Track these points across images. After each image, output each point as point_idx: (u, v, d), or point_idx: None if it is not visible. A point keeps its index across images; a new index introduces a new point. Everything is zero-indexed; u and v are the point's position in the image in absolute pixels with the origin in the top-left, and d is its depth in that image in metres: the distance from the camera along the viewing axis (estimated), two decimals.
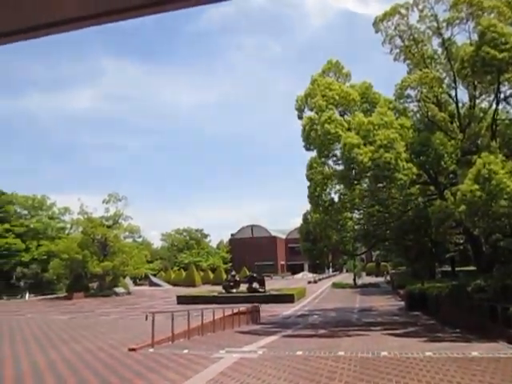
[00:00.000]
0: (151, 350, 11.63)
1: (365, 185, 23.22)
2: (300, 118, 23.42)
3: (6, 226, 54.62)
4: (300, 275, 78.65)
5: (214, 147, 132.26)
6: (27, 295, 50.17)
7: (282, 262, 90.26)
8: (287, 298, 34.93)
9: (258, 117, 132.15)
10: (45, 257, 54.26)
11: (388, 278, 57.90)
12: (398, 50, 24.58)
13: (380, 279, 61.30)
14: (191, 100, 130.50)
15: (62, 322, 21.13)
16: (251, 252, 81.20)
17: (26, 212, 59.96)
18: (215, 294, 37.09)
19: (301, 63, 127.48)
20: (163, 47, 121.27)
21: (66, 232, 61.52)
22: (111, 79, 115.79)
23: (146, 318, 12.81)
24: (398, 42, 24.35)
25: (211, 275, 69.38)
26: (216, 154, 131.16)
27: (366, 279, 61.52)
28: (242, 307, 22.49)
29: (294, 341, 14.98)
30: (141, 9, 3.84)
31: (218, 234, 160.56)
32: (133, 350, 11.40)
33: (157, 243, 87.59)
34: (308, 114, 22.89)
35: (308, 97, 22.77)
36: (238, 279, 39.74)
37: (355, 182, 21.57)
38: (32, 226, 57.27)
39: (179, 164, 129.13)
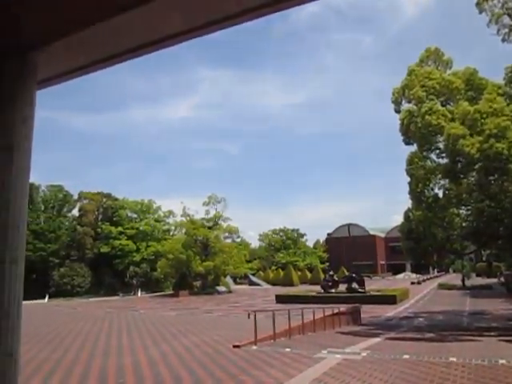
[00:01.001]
0: (254, 347, 11.90)
1: (472, 178, 21.54)
2: (397, 111, 22.44)
3: (120, 228, 59.81)
4: (401, 276, 75.32)
5: (306, 147, 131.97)
6: (139, 292, 54.34)
7: (382, 262, 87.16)
8: (389, 299, 33.59)
9: (351, 114, 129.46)
10: (153, 257, 58.43)
11: (502, 279, 53.03)
12: (506, 30, 22.42)
13: (493, 280, 56.38)
14: (281, 101, 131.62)
15: (171, 318, 22.52)
16: (349, 251, 79.51)
17: (135, 216, 65.02)
18: (314, 293, 36.92)
19: (394, 55, 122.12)
20: (253, 51, 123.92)
21: (171, 233, 65.58)
22: (206, 88, 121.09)
23: (249, 316, 13.13)
24: (507, 20, 22.20)
25: (308, 275, 69.26)
26: (309, 153, 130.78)
27: (475, 280, 57.04)
28: (342, 307, 22.10)
29: (399, 344, 14.36)
30: (237, 17, 3.90)
31: (314, 234, 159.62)
32: (237, 346, 11.76)
33: (254, 243, 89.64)
34: (406, 106, 21.86)
35: (405, 88, 21.74)
36: (336, 279, 39.16)
37: (461, 176, 20.12)
38: (141, 228, 61.96)
39: (273, 165, 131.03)
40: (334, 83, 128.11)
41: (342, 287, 37.32)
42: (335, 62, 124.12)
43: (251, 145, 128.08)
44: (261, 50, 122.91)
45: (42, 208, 61.11)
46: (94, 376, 8.76)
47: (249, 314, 13.37)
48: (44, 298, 46.23)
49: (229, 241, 58.45)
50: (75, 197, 64.53)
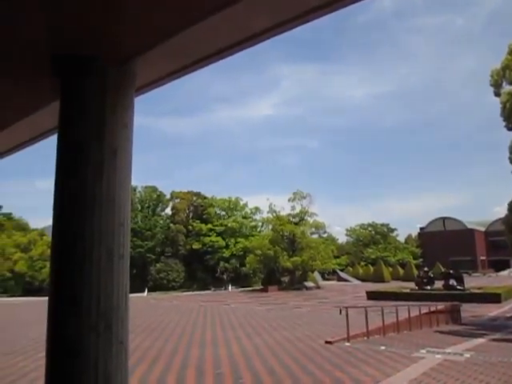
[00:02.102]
0: (347, 343, 11.69)
1: None
2: (497, 94, 20.63)
3: (209, 226, 62.17)
4: (506, 272, 69.37)
5: (392, 138, 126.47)
6: (229, 287, 56.03)
7: (483, 258, 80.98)
8: (492, 298, 31.08)
9: (441, 101, 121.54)
10: (241, 253, 59.87)
11: None
12: None
13: None
14: (365, 92, 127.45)
15: (261, 312, 22.91)
16: (444, 246, 74.93)
17: (223, 213, 67.10)
18: (407, 290, 35.37)
19: (489, 34, 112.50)
20: (334, 44, 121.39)
21: (258, 230, 66.69)
22: (288, 85, 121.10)
23: (340, 312, 12.93)
24: None
25: (401, 271, 66.54)
26: (396, 144, 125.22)
27: None
28: (440, 305, 20.90)
29: (507, 346, 13.23)
30: (320, 9, 3.77)
31: (406, 228, 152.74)
32: (329, 342, 11.64)
33: (341, 239, 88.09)
34: (508, 88, 20.02)
35: (506, 69, 19.91)
36: (431, 275, 37.14)
37: None
38: (229, 225, 63.78)
39: (359, 158, 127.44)
40: (422, 70, 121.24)
41: (438, 284, 35.31)
42: (422, 47, 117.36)
43: (335, 139, 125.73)
44: (341, 41, 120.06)
45: (139, 208, 65.43)
46: (192, 364, 9.19)
47: (340, 310, 13.18)
48: (143, 291, 49.50)
49: (315, 236, 58.05)
50: (168, 196, 68.26)
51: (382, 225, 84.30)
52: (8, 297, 50.99)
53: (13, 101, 5.50)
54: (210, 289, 55.78)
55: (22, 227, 70.07)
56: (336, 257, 61.54)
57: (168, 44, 4.37)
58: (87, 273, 3.91)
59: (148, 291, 51.02)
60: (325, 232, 60.19)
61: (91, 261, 3.93)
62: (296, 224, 53.92)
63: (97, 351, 3.91)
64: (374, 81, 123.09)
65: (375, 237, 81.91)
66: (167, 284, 56.96)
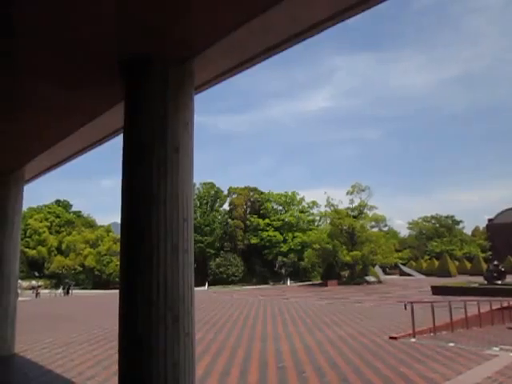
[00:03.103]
0: (413, 339, 11.34)
1: None
2: None
3: (267, 220, 62.57)
4: None
5: (456, 125, 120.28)
6: (288, 281, 56.11)
7: None
8: None
9: (509, 83, 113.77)
10: (299, 247, 59.77)
11: None
12: None
13: None
14: (424, 79, 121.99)
15: (322, 307, 22.74)
16: None
17: (280, 208, 67.25)
18: (476, 285, 33.68)
19: None
20: (391, 30, 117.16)
21: (316, 224, 66.23)
22: (343, 76, 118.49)
23: (405, 308, 12.56)
24: None
25: (468, 265, 63.55)
26: (460, 132, 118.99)
27: None
28: None
29: None
30: None
31: (473, 220, 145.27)
32: (394, 338, 11.34)
33: (403, 232, 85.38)
34: None
35: None
36: (502, 269, 35.11)
37: None
38: (286, 219, 63.85)
39: (419, 148, 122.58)
40: (486, 52, 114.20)
41: (510, 278, 33.34)
42: (485, 28, 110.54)
43: (395, 129, 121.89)
44: (398, 27, 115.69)
45: (198, 204, 67.07)
46: (255, 358, 9.30)
47: (405, 305, 12.82)
48: (204, 285, 50.79)
49: (375, 230, 56.73)
50: (225, 192, 69.43)
51: (447, 217, 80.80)
52: (80, 289, 54.20)
53: (81, 105, 5.83)
54: (268, 283, 56.21)
55: (90, 224, 74.22)
56: (398, 250, 59.83)
57: (226, 41, 4.45)
58: (155, 267, 4.09)
59: (208, 285, 52.27)
60: (385, 225, 58.66)
61: (158, 255, 4.11)
62: (355, 217, 52.94)
63: (165, 342, 4.09)
64: (434, 67, 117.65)
65: (439, 230, 78.68)
66: (226, 278, 58.07)
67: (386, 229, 61.86)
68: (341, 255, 49.52)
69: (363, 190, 53.91)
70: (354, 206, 54.75)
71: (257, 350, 10.30)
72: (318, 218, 66.15)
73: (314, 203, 66.34)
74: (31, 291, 45.26)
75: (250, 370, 8.30)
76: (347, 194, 54.69)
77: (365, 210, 54.84)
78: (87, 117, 6.11)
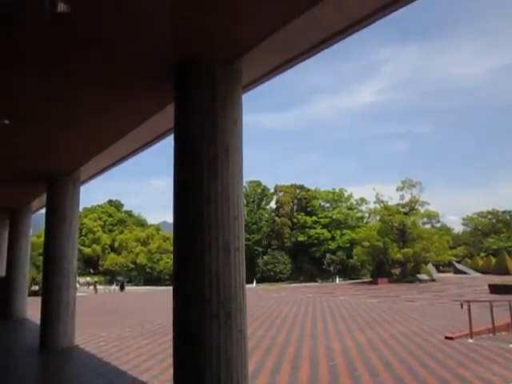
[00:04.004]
0: (470, 340, 10.89)
1: None
2: None
3: (314, 218, 62.14)
4: None
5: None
6: (337, 279, 55.45)
7: None
8: None
9: None
10: (348, 244, 58.91)
11: None
12: None
13: None
14: (478, 68, 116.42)
15: (372, 305, 22.30)
16: None
17: (328, 205, 66.53)
18: None
19: None
20: (440, 17, 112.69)
21: (365, 221, 65.00)
22: (390, 69, 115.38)
23: (462, 307, 12.08)
24: None
25: None
26: None
27: None
28: None
29: None
30: None
31: None
32: (449, 338, 10.94)
33: (457, 228, 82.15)
34: None
35: None
36: None
37: None
38: (334, 217, 63.10)
39: (474, 140, 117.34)
40: None
41: None
42: None
43: (448, 121, 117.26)
44: (449, 13, 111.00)
45: (245, 202, 67.60)
46: (305, 356, 9.26)
47: (461, 304, 12.33)
48: (252, 283, 51.16)
49: (427, 226, 54.91)
50: (271, 190, 69.55)
51: (504, 212, 76.90)
52: (132, 286, 56.13)
53: (134, 107, 6.03)
54: (316, 281, 55.82)
55: (141, 223, 76.66)
56: (451, 248, 57.65)
57: (272, 39, 4.45)
58: (207, 264, 4.17)
59: (256, 283, 52.60)
60: (438, 221, 56.67)
61: (210, 253, 4.18)
62: (406, 214, 51.48)
63: (218, 338, 4.16)
64: (491, 54, 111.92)
65: (496, 225, 75.01)
66: (274, 276, 58.21)
67: (438, 225, 59.83)
68: (391, 253, 48.33)
69: (414, 186, 52.32)
70: (404, 202, 53.25)
71: (307, 347, 10.25)
72: (366, 214, 64.87)
73: (363, 200, 65.12)
74: (87, 287, 47.48)
75: (300, 367, 8.28)
76: (397, 189, 53.28)
77: (416, 206, 53.18)
78: (140, 118, 6.31)
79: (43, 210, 16.57)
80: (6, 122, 6.57)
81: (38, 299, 15.13)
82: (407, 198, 53.10)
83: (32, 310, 16.43)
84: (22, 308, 16.62)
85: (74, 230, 10.73)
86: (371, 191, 77.62)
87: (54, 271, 10.25)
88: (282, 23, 3.95)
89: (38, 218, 18.13)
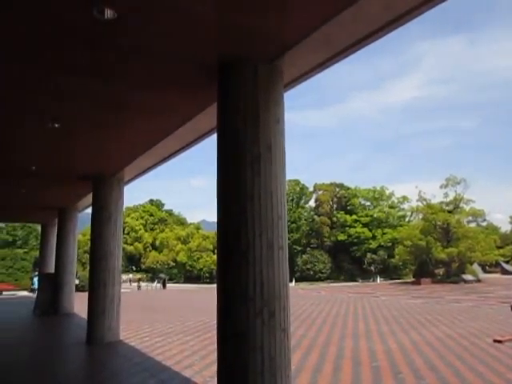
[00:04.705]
0: None
1: None
2: None
3: (354, 216, 61.21)
4: None
5: None
6: (378, 279, 54.42)
7: None
8: None
9: None
10: (389, 244, 57.67)
11: None
12: None
13: None
14: None
15: (415, 306, 21.75)
16: None
17: (368, 203, 65.37)
18: None
19: None
20: (484, 6, 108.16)
21: (406, 220, 63.42)
22: (432, 62, 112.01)
23: None
24: None
25: None
26: None
27: None
28: None
29: None
30: None
31: None
32: (498, 341, 10.52)
33: (504, 227, 78.71)
34: None
35: None
36: None
37: None
38: (375, 215, 61.92)
39: None
40: None
41: None
42: None
43: (490, 116, 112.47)
44: (494, 1, 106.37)
45: None
46: (347, 356, 9.16)
47: (511, 306, 11.80)
48: (291, 281, 51.03)
49: (473, 225, 52.92)
50: (310, 189, 69.06)
51: None
52: (173, 283, 57.24)
53: (176, 108, 6.14)
54: (357, 280, 55.00)
55: (181, 222, 77.99)
56: (499, 247, 55.31)
57: (315, 36, 4.40)
58: (251, 263, 4.19)
59: (296, 281, 52.41)
60: (484, 220, 54.53)
61: (253, 252, 4.20)
62: (450, 212, 49.83)
63: (262, 336, 4.18)
64: None
65: None
66: (313, 275, 57.80)
67: (484, 224, 57.57)
68: (435, 252, 46.91)
69: (458, 183, 50.54)
70: (448, 199, 51.55)
71: (349, 348, 10.13)
72: (408, 213, 63.28)
73: (405, 198, 63.55)
74: (130, 284, 48.85)
75: (342, 367, 8.19)
76: (441, 187, 51.61)
77: (461, 204, 51.38)
78: (183, 119, 6.42)
79: (88, 210, 17.24)
80: (56, 125, 6.85)
81: (82, 294, 15.73)
82: (451, 196, 51.40)
83: (77, 304, 17.10)
84: (70, 303, 17.29)
85: (119, 228, 11.05)
86: (413, 189, 75.40)
87: (100, 268, 10.61)
88: (325, 19, 3.90)
89: (83, 217, 18.83)
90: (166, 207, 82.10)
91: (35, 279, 25.05)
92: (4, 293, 34.88)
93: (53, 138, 7.53)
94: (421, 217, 53.57)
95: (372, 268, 58.03)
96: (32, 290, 29.60)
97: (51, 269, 19.84)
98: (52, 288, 17.43)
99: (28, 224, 49.64)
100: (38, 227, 31.43)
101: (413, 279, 49.13)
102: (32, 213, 18.76)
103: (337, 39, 4.39)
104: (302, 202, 69.42)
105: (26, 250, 50.28)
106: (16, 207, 16.97)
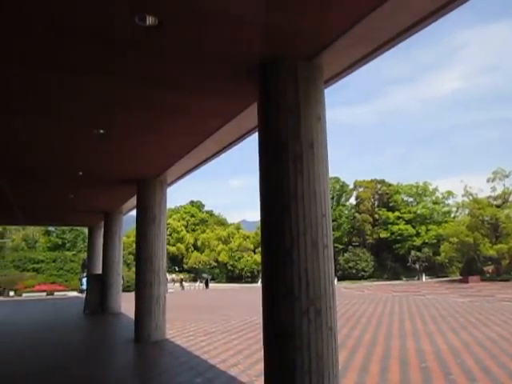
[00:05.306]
0: None
1: None
2: None
3: (397, 213, 59.82)
4: None
5: None
6: (423, 277, 52.94)
7: None
8: None
9: None
10: (434, 241, 55.99)
11: None
12: None
13: None
14: None
15: (464, 305, 21.02)
16: None
17: (411, 199, 63.72)
18: None
19: None
20: None
21: (452, 215, 61.38)
22: (474, 51, 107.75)
23: None
24: None
25: None
26: None
27: None
28: None
29: None
30: None
31: None
32: None
33: None
34: None
35: None
36: None
37: None
38: (418, 212, 60.27)
39: None
40: None
41: None
42: None
43: None
44: None
45: None
46: (394, 356, 8.96)
47: None
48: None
49: None
50: (350, 186, 68.08)
51: None
52: (215, 283, 57.92)
53: (216, 110, 6.19)
54: (401, 279, 53.77)
55: (222, 222, 78.77)
56: None
57: (355, 30, 4.33)
58: (296, 262, 4.17)
59: (338, 280, 51.83)
60: None
61: (298, 250, 4.18)
62: (498, 207, 47.78)
63: (308, 335, 4.15)
64: None
65: None
66: (356, 273, 56.98)
67: None
68: (483, 249, 45.13)
69: (507, 176, 48.39)
70: (496, 194, 49.46)
71: (396, 347, 9.91)
72: (454, 209, 61.18)
73: (450, 193, 61.49)
74: (173, 284, 49.85)
75: (389, 368, 8.02)
76: (488, 181, 49.59)
77: (510, 198, 49.17)
78: (223, 120, 6.48)
79: (131, 212, 17.73)
80: (101, 131, 7.08)
81: (128, 294, 16.16)
82: (499, 190, 49.29)
83: (123, 304, 17.62)
84: (117, 303, 17.84)
85: (163, 229, 11.29)
86: (458, 183, 72.90)
87: (145, 269, 10.88)
88: (367, 12, 3.83)
89: (126, 219, 19.36)
90: (206, 208, 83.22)
91: (84, 280, 26.02)
92: (55, 293, 36.48)
93: (98, 144, 7.79)
94: (467, 212, 51.70)
95: (417, 266, 56.52)
96: (81, 291, 30.78)
97: (98, 270, 20.54)
98: (100, 288, 18.04)
99: (76, 227, 51.63)
100: (85, 230, 32.63)
101: (460, 277, 47.48)
102: (80, 216, 19.50)
103: (378, 31, 4.29)
104: (343, 199, 68.56)
105: (74, 252, 52.34)
106: (65, 211, 17.69)
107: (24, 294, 36.44)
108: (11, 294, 36.24)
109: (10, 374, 7.85)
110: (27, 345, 10.99)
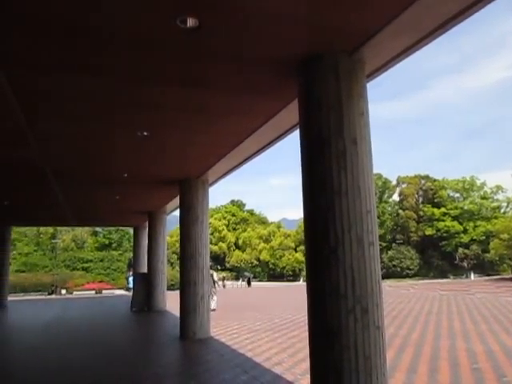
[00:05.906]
0: None
1: None
2: None
3: (442, 209, 57.97)
4: None
5: None
6: (472, 275, 51.01)
7: None
8: None
9: None
10: (483, 237, 53.83)
11: None
12: None
13: None
14: None
15: None
16: None
17: (457, 195, 61.57)
18: None
19: None
20: None
21: (502, 211, 58.79)
22: None
23: None
24: None
25: None
26: None
27: None
28: None
29: None
30: None
31: None
32: None
33: None
34: None
35: None
36: None
37: None
38: (465, 207, 58.14)
39: None
40: None
41: None
42: None
43: None
44: None
45: None
46: (444, 357, 8.68)
47: None
48: None
49: None
50: (393, 182, 66.55)
51: None
52: (257, 281, 58.18)
53: (257, 108, 6.20)
54: (448, 277, 52.09)
55: (262, 221, 79.04)
56: None
57: (397, 22, 4.21)
58: (341, 259, 4.11)
59: (382, 278, 50.84)
60: None
61: (343, 248, 4.12)
62: None
63: (355, 334, 4.08)
64: None
65: None
66: (400, 271, 55.71)
67: None
68: None
69: None
70: None
71: (445, 348, 9.60)
72: (504, 204, 58.58)
73: (499, 187, 58.92)
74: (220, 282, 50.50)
75: (439, 369, 7.77)
76: None
77: None
78: (263, 118, 6.49)
79: (174, 212, 18.07)
80: (145, 133, 7.26)
81: (172, 293, 16.46)
82: None
83: (168, 302, 18.01)
84: (162, 301, 18.25)
85: (206, 228, 11.45)
86: (508, 177, 69.61)
87: (189, 267, 11.06)
88: (407, 4, 3.72)
89: (168, 219, 19.76)
90: (246, 207, 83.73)
91: (130, 279, 26.80)
92: (103, 291, 37.83)
93: (142, 146, 7.99)
94: None
95: (465, 264, 54.54)
96: (127, 289, 31.73)
97: (143, 269, 21.09)
98: (146, 286, 18.53)
99: (121, 228, 53.29)
100: (131, 230, 33.61)
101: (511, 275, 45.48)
102: (125, 217, 20.10)
103: (422, 22, 4.16)
104: (385, 196, 67.16)
105: (120, 251, 54.06)
106: (111, 213, 18.29)
107: (74, 292, 38.04)
108: (63, 292, 37.93)
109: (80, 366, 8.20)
110: (86, 340, 11.45)
